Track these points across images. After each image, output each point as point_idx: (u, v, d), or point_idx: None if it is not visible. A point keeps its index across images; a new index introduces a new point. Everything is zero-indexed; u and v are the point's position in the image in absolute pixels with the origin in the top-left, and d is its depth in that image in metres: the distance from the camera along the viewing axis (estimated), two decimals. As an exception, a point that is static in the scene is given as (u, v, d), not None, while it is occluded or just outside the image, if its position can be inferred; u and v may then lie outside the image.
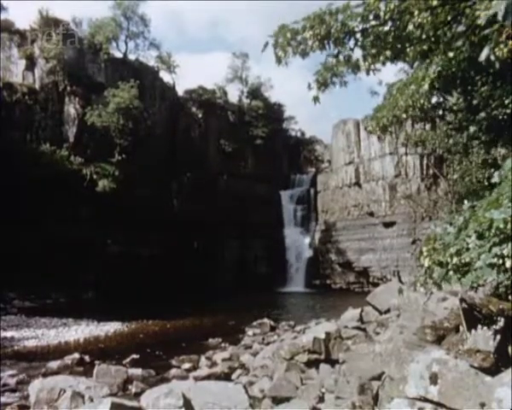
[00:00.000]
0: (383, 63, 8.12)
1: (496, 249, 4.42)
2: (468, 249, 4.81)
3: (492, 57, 5.49)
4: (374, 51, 7.67)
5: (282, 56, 7.65)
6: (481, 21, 6.19)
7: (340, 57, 7.88)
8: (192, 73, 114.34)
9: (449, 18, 7.43)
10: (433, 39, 7.93)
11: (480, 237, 4.72)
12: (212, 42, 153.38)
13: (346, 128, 53.34)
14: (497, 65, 5.79)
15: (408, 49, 8.26)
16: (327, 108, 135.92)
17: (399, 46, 7.81)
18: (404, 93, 10.44)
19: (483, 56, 5.31)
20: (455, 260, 4.94)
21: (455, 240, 5.10)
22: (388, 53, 7.82)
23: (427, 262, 5.73)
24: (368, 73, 8.08)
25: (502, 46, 5.57)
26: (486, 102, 10.89)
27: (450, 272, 5.06)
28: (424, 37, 7.73)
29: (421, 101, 10.81)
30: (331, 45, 7.71)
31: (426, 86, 9.55)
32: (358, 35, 7.60)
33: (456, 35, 7.82)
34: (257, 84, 62.05)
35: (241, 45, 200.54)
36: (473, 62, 9.46)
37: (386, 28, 7.43)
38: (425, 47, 8.28)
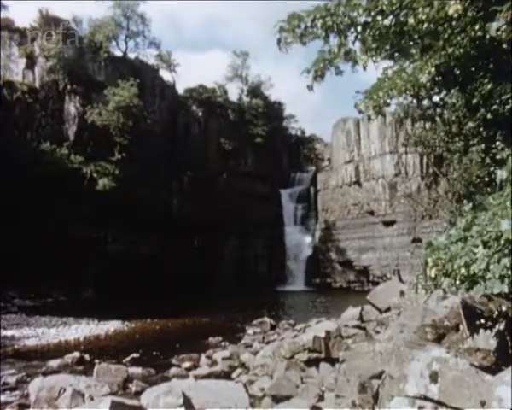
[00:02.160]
0: (383, 58, 8.09)
1: (505, 260, 4.40)
2: (475, 260, 4.78)
3: (501, 33, 5.44)
4: (374, 46, 7.64)
5: (285, 41, 7.64)
6: None
7: (341, 50, 7.85)
8: (190, 72, 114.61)
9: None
10: (433, 34, 7.89)
11: (486, 245, 4.69)
12: (210, 41, 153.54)
13: (345, 127, 53.32)
14: (505, 45, 5.74)
15: (408, 46, 8.22)
16: (325, 107, 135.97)
17: (399, 42, 7.79)
18: (402, 77, 10.38)
19: (493, 29, 5.24)
20: (463, 271, 4.92)
21: (461, 250, 5.06)
22: (388, 48, 7.80)
23: (433, 273, 5.69)
24: (365, 68, 8.05)
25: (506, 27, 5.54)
26: (486, 100, 10.86)
27: (458, 282, 5.03)
28: (424, 32, 7.70)
29: (418, 89, 10.75)
30: (334, 36, 7.71)
31: (424, 79, 9.51)
32: (360, 28, 7.59)
33: (455, 31, 7.80)
34: (257, 83, 62.06)
35: (240, 44, 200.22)
36: (472, 59, 9.43)
37: (387, 22, 7.41)
38: (425, 43, 8.24)
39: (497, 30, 5.36)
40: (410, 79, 8.59)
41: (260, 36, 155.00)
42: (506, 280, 4.39)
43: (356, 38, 7.75)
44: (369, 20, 7.48)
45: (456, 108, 13.30)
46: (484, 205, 5.52)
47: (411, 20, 7.28)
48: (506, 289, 4.41)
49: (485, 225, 4.89)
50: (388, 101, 10.42)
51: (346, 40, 7.86)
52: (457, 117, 13.12)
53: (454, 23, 7.58)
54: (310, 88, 8.35)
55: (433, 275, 5.69)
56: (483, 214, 5.15)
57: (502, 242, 4.51)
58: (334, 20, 7.49)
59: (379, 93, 9.97)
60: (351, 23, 7.59)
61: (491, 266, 4.51)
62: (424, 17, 7.25)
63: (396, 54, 8.41)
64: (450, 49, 8.36)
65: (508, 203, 4.73)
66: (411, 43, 8.26)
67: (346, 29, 7.68)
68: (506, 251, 4.46)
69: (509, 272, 4.36)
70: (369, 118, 9.53)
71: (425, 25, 7.40)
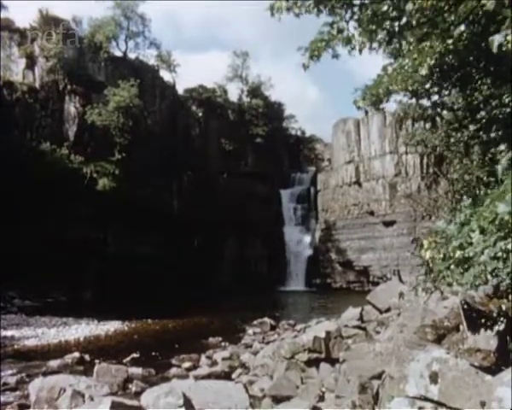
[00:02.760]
0: (379, 43, 8.03)
1: (501, 244, 4.40)
2: (471, 244, 4.78)
3: (504, 48, 5.42)
4: (370, 28, 7.58)
5: (277, 8, 7.60)
6: (488, 7, 6.12)
7: (334, 28, 7.79)
8: (189, 72, 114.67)
9: (450, 3, 7.34)
10: (431, 23, 7.83)
11: (483, 231, 4.69)
12: (208, 41, 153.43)
13: (346, 127, 53.33)
14: None
15: (405, 33, 8.16)
16: (325, 107, 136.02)
17: (396, 27, 7.74)
18: (401, 73, 10.33)
19: (495, 45, 5.22)
20: (457, 253, 4.91)
21: (458, 234, 5.06)
22: (385, 33, 7.74)
23: (428, 255, 5.69)
24: (361, 52, 8.00)
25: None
26: (486, 101, 10.86)
27: (452, 266, 5.02)
28: (423, 20, 7.65)
29: (417, 84, 10.73)
30: (328, 13, 7.65)
31: (423, 72, 9.42)
32: (356, 8, 7.54)
33: (455, 22, 7.75)
34: (257, 83, 62.05)
35: (238, 45, 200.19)
36: (472, 55, 9.39)
37: (385, 7, 7.36)
38: (423, 31, 8.18)
39: (500, 46, 5.32)
40: (409, 75, 8.54)
41: (259, 36, 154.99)
42: (500, 260, 4.40)
43: (351, 17, 7.70)
44: (367, 1, 7.44)
45: (455, 109, 13.31)
46: (483, 201, 5.53)
47: (409, 6, 7.21)
48: (500, 265, 4.41)
49: (483, 211, 4.89)
50: (388, 96, 10.37)
51: (341, 19, 7.81)
52: (457, 118, 13.12)
53: (453, 16, 7.54)
54: (305, 67, 8.33)
55: (427, 257, 5.68)
56: (482, 209, 5.16)
57: (496, 222, 4.51)
58: None
59: (379, 89, 9.91)
60: (348, 2, 7.54)
61: (486, 250, 4.51)
62: (424, 4, 7.19)
63: (393, 39, 8.35)
64: (450, 41, 8.29)
65: (507, 196, 4.73)
66: (409, 31, 8.20)
67: (341, 7, 7.63)
68: (502, 234, 4.47)
69: (505, 255, 4.36)
70: (367, 112, 9.54)
71: (425, 11, 7.34)
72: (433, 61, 8.81)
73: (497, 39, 5.26)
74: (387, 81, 10.41)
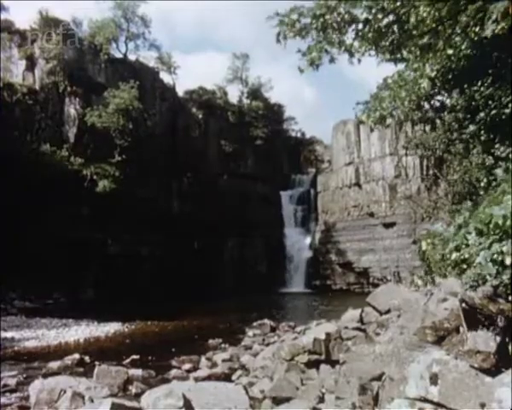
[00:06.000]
0: (382, 53, 8.09)
1: (496, 246, 4.43)
2: (467, 245, 4.82)
3: (497, 30, 5.48)
4: (374, 41, 7.66)
5: (284, 35, 7.66)
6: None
7: (341, 47, 7.85)
8: (185, 74, 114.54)
9: (451, 12, 7.41)
10: (433, 33, 7.91)
11: (480, 233, 4.73)
12: (203, 43, 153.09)
13: (346, 129, 53.36)
14: None
15: (407, 44, 8.23)
16: (325, 108, 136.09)
17: (400, 39, 7.81)
18: (403, 87, 10.38)
19: (489, 31, 5.30)
20: (454, 255, 4.95)
21: (454, 236, 5.11)
22: (388, 44, 7.81)
23: (424, 246, 5.74)
24: (359, 61, 8.07)
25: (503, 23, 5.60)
26: (486, 103, 10.89)
27: (449, 268, 5.08)
28: (425, 30, 7.73)
29: (420, 97, 10.79)
30: (333, 32, 7.71)
31: (424, 84, 9.50)
32: (361, 25, 7.61)
33: (455, 31, 7.82)
34: (257, 85, 62.09)
35: (236, 46, 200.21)
36: (472, 60, 9.45)
37: (388, 20, 7.44)
38: (425, 41, 8.25)
39: (494, 31, 5.41)
40: (412, 89, 8.59)
41: (257, 37, 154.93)
42: (496, 265, 4.43)
43: (356, 34, 7.76)
44: (370, 17, 7.51)
45: (456, 110, 13.33)
46: (481, 204, 5.57)
47: (412, 19, 7.30)
48: (495, 272, 4.44)
49: (479, 212, 4.94)
50: (393, 112, 10.43)
51: (346, 36, 7.88)
52: (458, 119, 13.15)
53: (454, 23, 7.62)
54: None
55: (424, 248, 5.73)
56: (479, 211, 5.20)
57: (491, 226, 4.55)
58: (334, 18, 7.52)
59: (382, 104, 9.95)
60: (351, 20, 7.61)
61: (482, 252, 4.55)
62: (426, 15, 7.28)
63: (395, 50, 8.42)
64: (451, 51, 8.37)
65: (505, 197, 4.76)
66: (411, 41, 8.27)
67: (346, 25, 7.70)
68: (497, 237, 4.50)
69: (500, 258, 4.39)
70: (372, 129, 9.66)
71: (426, 22, 7.43)
72: (434, 73, 8.87)
73: (490, 28, 5.34)
74: (390, 96, 10.46)
